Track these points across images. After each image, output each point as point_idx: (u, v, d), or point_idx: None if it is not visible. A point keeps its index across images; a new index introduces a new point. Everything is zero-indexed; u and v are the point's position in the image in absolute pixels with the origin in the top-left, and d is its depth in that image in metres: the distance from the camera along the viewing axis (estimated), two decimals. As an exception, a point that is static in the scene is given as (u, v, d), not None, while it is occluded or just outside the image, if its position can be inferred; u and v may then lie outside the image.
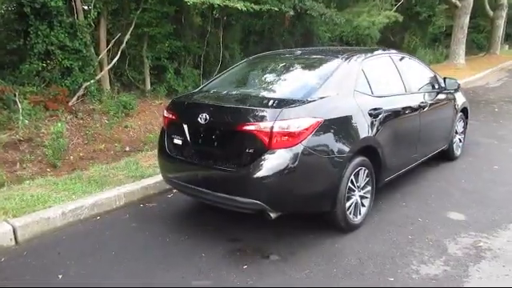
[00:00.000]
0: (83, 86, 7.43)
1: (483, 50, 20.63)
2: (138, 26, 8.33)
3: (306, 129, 2.97)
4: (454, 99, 5.24)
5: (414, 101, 4.28)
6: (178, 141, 3.48)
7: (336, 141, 3.19)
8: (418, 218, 3.75)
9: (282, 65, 4.21)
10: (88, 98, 7.60)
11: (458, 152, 5.50)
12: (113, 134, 7.02)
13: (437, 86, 4.89)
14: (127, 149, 6.55)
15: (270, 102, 3.24)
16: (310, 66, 4.03)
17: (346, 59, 3.73)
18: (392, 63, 4.30)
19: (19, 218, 3.48)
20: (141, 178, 4.52)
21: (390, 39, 18.31)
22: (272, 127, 2.93)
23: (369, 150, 3.49)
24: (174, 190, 4.28)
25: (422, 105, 4.36)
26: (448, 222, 3.64)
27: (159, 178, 4.24)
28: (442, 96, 4.90)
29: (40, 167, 5.42)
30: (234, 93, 3.87)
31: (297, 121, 2.97)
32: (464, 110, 5.56)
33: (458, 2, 14.85)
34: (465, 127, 5.72)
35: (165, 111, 3.75)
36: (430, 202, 4.08)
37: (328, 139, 3.14)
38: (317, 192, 3.16)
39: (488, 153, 5.79)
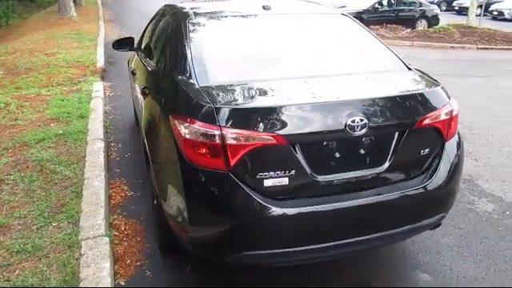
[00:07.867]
0: None
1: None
2: None
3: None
4: None
5: None
6: (278, 180, 1.97)
7: None
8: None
9: (281, 25, 2.85)
10: None
11: None
12: None
13: None
14: None
15: (414, 80, 2.50)
16: (328, 27, 2.95)
17: (347, 16, 3.03)
18: None
19: None
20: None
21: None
22: (452, 111, 2.28)
23: None
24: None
25: None
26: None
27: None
28: None
29: None
30: (305, 76, 2.33)
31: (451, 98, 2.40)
32: None
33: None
34: None
35: (233, 135, 1.91)
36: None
37: None
38: None
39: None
